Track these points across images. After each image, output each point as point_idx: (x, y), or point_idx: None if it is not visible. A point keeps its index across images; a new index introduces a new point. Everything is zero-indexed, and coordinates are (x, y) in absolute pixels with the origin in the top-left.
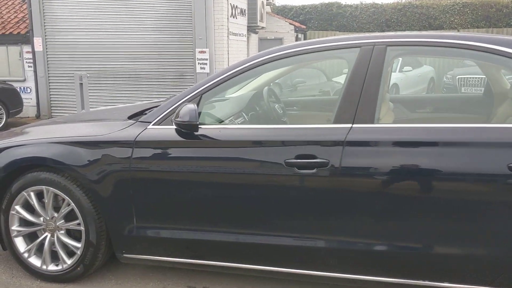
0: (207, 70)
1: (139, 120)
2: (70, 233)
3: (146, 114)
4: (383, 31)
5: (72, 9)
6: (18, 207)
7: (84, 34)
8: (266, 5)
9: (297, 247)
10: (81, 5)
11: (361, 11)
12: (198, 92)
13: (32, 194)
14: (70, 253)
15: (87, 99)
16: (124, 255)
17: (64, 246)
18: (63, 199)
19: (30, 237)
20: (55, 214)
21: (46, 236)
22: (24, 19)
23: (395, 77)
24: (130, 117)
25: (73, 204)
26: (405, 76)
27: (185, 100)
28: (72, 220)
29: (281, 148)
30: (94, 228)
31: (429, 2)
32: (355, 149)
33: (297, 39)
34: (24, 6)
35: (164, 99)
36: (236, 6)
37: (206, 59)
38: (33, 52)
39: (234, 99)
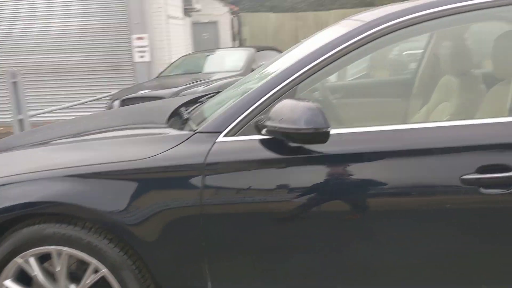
0: (147, 58)
1: (199, 130)
2: None
3: (189, 118)
4: (315, 10)
5: None
6: (8, 283)
7: None
8: None
9: None
10: None
11: None
12: (291, 82)
13: (32, 260)
14: None
15: (23, 101)
16: None
17: None
18: (85, 263)
19: None
20: (72, 287)
21: None
22: None
23: None
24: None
25: (105, 269)
26: None
27: (272, 95)
28: None
29: (452, 159)
30: None
31: None
32: None
33: (232, 22)
34: None
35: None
36: None
37: (146, 46)
38: None
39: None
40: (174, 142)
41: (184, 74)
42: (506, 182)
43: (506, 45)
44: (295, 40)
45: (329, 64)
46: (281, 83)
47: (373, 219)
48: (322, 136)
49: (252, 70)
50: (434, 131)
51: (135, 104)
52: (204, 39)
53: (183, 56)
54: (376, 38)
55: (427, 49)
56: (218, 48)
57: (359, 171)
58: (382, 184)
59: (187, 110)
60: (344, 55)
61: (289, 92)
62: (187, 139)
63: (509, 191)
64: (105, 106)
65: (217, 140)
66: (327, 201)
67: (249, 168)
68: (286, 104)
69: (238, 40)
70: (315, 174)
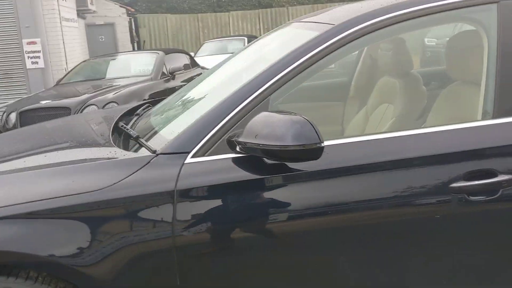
0: (41, 64)
1: (160, 151)
2: None
3: (138, 136)
4: (215, 11)
5: None
6: None
7: None
8: None
9: None
10: None
11: None
12: (263, 92)
13: None
14: None
15: None
16: None
17: None
18: None
19: None
20: None
21: None
22: None
23: None
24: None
25: None
26: None
27: (243, 108)
28: None
29: (440, 167)
30: None
31: None
32: None
33: (130, 24)
34: None
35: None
36: None
37: (39, 51)
38: None
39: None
40: (132, 167)
41: (86, 80)
42: (494, 188)
43: (463, 44)
44: (197, 41)
45: (305, 69)
46: (252, 94)
47: (370, 235)
48: (315, 152)
49: (163, 74)
50: (411, 138)
51: (35, 115)
52: (101, 42)
53: (83, 61)
54: (353, 40)
55: (362, 52)
56: (123, 52)
57: (351, 186)
58: (378, 197)
59: (127, 125)
60: (321, 58)
61: (262, 103)
62: (147, 162)
63: (495, 196)
64: None
65: (185, 162)
66: (319, 222)
67: (226, 191)
68: (263, 118)
69: (136, 42)
70: (303, 193)
